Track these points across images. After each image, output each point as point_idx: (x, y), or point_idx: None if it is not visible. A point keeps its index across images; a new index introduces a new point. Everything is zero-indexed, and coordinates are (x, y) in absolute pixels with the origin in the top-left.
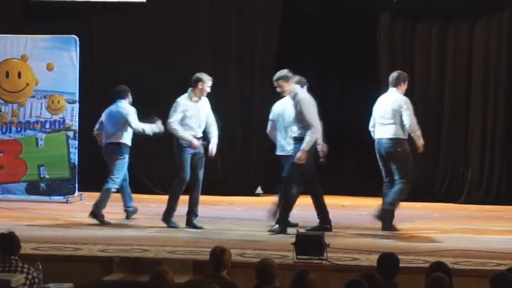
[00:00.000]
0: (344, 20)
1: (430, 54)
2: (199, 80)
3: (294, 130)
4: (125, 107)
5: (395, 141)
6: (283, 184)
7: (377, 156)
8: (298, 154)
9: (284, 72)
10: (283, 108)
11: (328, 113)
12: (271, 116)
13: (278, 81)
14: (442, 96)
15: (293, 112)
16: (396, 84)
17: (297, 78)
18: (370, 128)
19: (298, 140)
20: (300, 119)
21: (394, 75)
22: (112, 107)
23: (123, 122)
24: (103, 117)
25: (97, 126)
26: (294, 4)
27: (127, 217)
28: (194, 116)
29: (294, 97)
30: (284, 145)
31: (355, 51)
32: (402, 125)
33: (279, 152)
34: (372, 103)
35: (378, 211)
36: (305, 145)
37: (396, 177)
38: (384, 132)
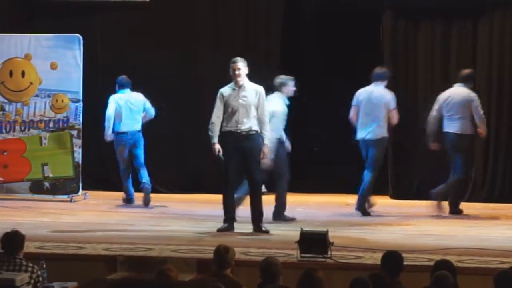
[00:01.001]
0: (347, 19)
1: (434, 53)
2: (284, 84)
3: (254, 124)
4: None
5: (462, 136)
6: (256, 188)
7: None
8: (266, 150)
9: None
10: (369, 94)
11: (332, 111)
12: (354, 102)
13: (243, 64)
14: None
15: (256, 104)
16: (467, 80)
17: (383, 69)
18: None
19: (257, 133)
20: (262, 112)
21: (467, 72)
22: (132, 95)
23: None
24: (123, 106)
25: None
26: (297, 4)
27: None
28: None
29: (260, 90)
30: (369, 129)
31: (359, 50)
32: (471, 120)
33: (361, 136)
34: None
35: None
36: (268, 140)
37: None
38: (453, 126)
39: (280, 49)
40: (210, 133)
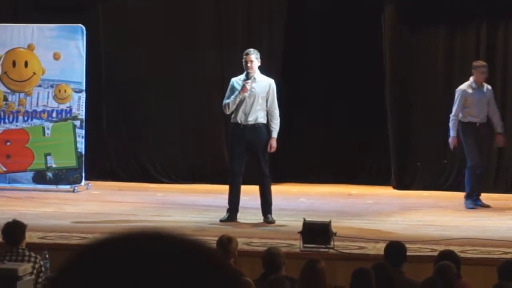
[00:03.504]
0: (350, 18)
1: (437, 51)
2: (474, 67)
3: (260, 116)
4: None
5: None
6: (265, 178)
7: None
8: (273, 143)
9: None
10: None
11: (336, 104)
12: None
13: (256, 56)
14: (449, 93)
15: (265, 96)
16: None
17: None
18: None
19: (263, 125)
20: (271, 105)
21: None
22: None
23: None
24: None
25: None
26: (299, 3)
27: None
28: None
29: (271, 83)
30: None
31: (361, 48)
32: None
33: None
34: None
35: None
36: (276, 132)
37: None
38: None
39: (283, 47)
40: (227, 103)
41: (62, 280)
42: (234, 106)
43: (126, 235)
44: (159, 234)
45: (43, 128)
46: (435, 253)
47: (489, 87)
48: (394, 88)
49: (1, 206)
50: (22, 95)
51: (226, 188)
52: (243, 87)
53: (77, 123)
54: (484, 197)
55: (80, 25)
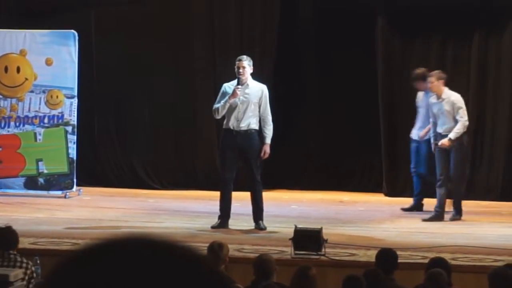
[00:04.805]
0: (343, 26)
1: (429, 56)
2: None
3: (253, 122)
4: None
5: None
6: (256, 185)
7: None
8: (267, 149)
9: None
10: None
11: (328, 111)
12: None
13: (248, 62)
14: None
15: (258, 102)
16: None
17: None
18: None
19: (256, 131)
20: (264, 111)
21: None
22: None
23: None
24: None
25: None
26: (293, 5)
27: None
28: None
29: (264, 89)
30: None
31: (353, 55)
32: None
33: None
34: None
35: None
36: (270, 138)
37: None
38: None
39: (276, 50)
40: (217, 108)
41: (51, 286)
42: (224, 111)
43: (116, 240)
44: (149, 240)
45: (35, 133)
46: (426, 260)
47: (439, 98)
48: (387, 96)
49: None
50: (14, 100)
51: (217, 194)
52: (234, 92)
53: (69, 128)
54: (474, 204)
55: (72, 31)
